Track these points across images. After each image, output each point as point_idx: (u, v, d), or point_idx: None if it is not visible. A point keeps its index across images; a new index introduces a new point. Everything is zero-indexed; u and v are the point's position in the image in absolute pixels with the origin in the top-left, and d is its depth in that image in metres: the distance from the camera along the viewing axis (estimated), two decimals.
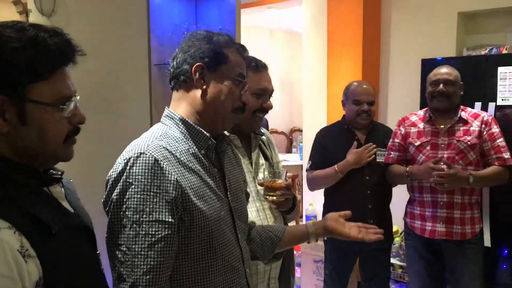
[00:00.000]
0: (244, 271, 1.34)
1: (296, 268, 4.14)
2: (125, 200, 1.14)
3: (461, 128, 2.54)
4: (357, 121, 2.78)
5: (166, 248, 1.14)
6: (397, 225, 3.81)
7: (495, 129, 2.53)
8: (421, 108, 3.26)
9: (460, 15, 3.61)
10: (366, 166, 2.74)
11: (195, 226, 1.19)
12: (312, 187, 2.93)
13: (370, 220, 2.73)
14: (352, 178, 2.76)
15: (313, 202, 4.29)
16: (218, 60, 1.28)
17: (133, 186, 1.13)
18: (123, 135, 1.75)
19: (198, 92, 1.28)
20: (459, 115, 2.56)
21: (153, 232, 1.12)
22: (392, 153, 2.75)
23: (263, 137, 1.88)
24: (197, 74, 1.27)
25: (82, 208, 1.15)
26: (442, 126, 2.58)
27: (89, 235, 1.11)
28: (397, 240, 3.70)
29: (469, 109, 2.64)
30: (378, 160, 2.74)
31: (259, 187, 1.76)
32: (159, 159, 1.16)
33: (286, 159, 6.08)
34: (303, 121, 4.48)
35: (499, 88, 2.97)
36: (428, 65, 3.31)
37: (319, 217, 4.30)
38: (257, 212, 1.72)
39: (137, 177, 1.14)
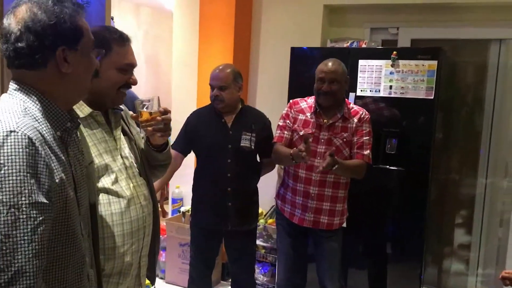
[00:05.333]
0: (88, 263, 1.31)
1: (161, 252, 4.06)
2: None
3: (341, 125, 2.66)
4: (214, 105, 2.80)
5: (47, 231, 1.08)
6: (262, 207, 3.93)
7: (366, 128, 2.67)
8: (289, 95, 3.39)
9: (326, 7, 3.79)
10: (230, 149, 2.76)
11: (65, 215, 1.15)
12: None
13: (229, 203, 2.77)
14: (215, 160, 2.79)
15: (180, 184, 4.23)
16: (77, 36, 1.20)
17: (6, 168, 1.02)
18: None
19: (58, 73, 1.19)
20: (342, 113, 2.66)
21: (35, 215, 1.04)
22: (285, 132, 2.75)
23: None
24: (62, 58, 1.17)
25: None
26: (325, 121, 2.67)
27: None
28: (261, 221, 3.81)
29: (352, 104, 2.77)
30: (242, 144, 2.76)
31: (128, 164, 1.68)
32: (33, 139, 1.07)
33: None
34: (172, 102, 4.37)
35: (359, 79, 3.18)
36: (297, 53, 3.43)
37: (185, 200, 4.26)
38: (130, 190, 1.65)
39: (10, 157, 1.03)
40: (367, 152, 2.65)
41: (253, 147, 2.78)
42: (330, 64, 2.64)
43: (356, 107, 2.75)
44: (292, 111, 2.77)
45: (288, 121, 2.76)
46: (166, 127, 1.73)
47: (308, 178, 2.65)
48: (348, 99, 3.15)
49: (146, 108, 1.70)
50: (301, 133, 2.68)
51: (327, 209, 2.66)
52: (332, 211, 2.67)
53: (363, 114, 2.70)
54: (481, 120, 3.65)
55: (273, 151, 2.77)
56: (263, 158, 2.93)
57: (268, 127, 2.90)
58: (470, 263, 3.78)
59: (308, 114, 2.72)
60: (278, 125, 2.80)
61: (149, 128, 1.71)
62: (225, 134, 2.78)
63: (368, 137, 2.66)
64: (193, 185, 2.96)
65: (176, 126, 4.26)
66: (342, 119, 2.66)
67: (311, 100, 2.76)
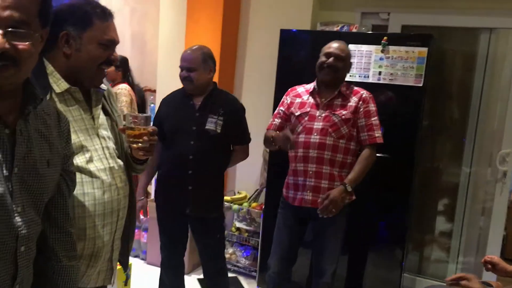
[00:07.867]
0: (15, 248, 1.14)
1: (143, 233, 4.03)
2: None
3: (340, 103, 2.63)
4: (184, 87, 2.78)
5: None
6: (246, 191, 3.91)
7: (372, 107, 2.63)
8: (277, 77, 3.34)
9: None
10: (194, 131, 2.70)
11: None
12: None
13: (189, 186, 2.72)
14: (179, 142, 2.73)
15: None
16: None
17: None
18: None
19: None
20: (339, 90, 2.63)
21: None
22: (275, 120, 2.78)
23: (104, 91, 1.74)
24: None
25: None
26: (323, 99, 2.65)
27: None
28: (244, 205, 3.79)
29: (352, 86, 2.72)
30: (207, 127, 2.68)
31: (105, 144, 1.64)
32: None
33: None
34: (157, 82, 4.29)
35: None
36: (286, 35, 3.37)
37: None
38: (105, 171, 1.61)
39: None
40: (378, 134, 2.62)
41: (219, 130, 2.69)
42: (338, 43, 2.67)
43: (357, 88, 2.72)
44: (287, 97, 2.79)
45: (281, 108, 2.78)
46: (150, 148, 1.70)
47: (306, 156, 2.62)
48: None
49: (137, 124, 1.65)
50: (297, 113, 2.67)
51: (325, 187, 2.60)
52: (330, 189, 2.58)
53: (365, 93, 2.66)
54: (468, 110, 3.65)
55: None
56: (235, 145, 2.84)
57: (238, 113, 2.80)
58: (451, 251, 3.82)
59: (305, 97, 2.72)
60: (274, 113, 2.82)
61: (134, 146, 1.67)
62: (191, 116, 2.72)
63: (376, 117, 2.63)
64: (159, 164, 2.88)
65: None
66: (341, 98, 2.64)
67: (309, 85, 2.76)
